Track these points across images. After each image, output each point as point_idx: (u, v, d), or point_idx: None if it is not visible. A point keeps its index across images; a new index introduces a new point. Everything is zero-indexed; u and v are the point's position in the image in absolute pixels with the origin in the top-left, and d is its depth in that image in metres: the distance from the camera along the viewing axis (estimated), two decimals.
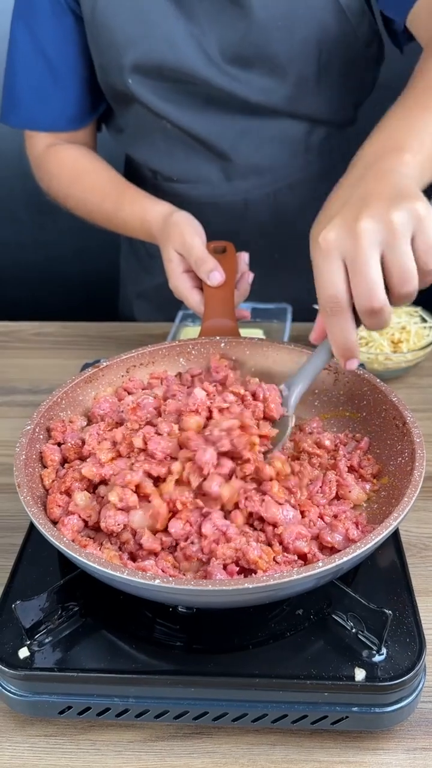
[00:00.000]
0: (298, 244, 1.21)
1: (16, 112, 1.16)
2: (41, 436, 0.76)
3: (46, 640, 0.63)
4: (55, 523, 0.68)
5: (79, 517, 0.68)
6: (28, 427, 0.74)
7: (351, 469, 0.75)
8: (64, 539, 0.61)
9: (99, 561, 0.58)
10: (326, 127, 1.16)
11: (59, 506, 0.69)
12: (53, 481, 0.72)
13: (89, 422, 0.80)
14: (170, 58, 1.04)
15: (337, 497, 0.70)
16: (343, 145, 1.19)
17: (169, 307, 1.16)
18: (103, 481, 0.69)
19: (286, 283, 1.22)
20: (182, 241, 0.92)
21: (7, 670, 0.62)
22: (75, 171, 1.15)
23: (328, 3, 1.01)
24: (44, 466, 0.74)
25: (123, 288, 1.45)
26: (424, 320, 1.13)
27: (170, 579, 0.58)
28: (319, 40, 1.03)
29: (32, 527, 0.75)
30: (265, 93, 1.07)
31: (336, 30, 1.03)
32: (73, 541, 0.65)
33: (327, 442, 0.77)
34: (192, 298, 0.92)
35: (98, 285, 2.05)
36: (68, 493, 0.70)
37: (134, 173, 1.26)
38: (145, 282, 1.35)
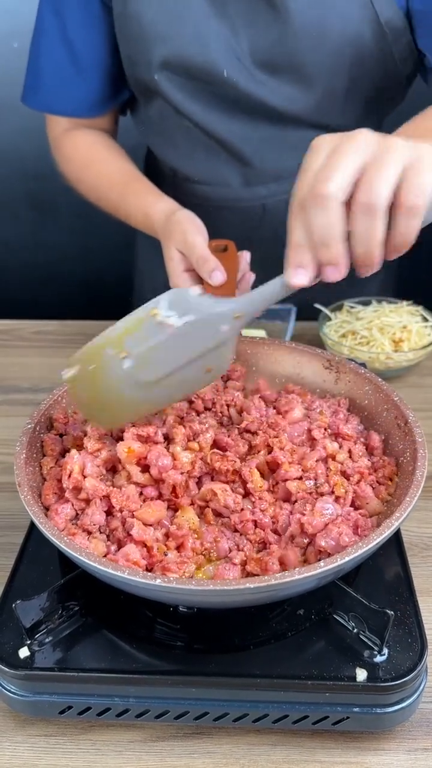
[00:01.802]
0: None
1: (37, 94, 1.17)
2: (42, 433, 0.76)
3: (47, 640, 0.63)
4: (47, 509, 0.68)
5: (72, 506, 0.68)
6: (29, 426, 0.74)
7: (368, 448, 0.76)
8: (65, 538, 0.61)
9: (100, 561, 0.58)
10: None
11: (54, 493, 0.69)
12: (51, 468, 0.72)
13: None
14: (199, 57, 1.03)
15: (354, 507, 0.69)
16: None
17: None
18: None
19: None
20: (184, 239, 0.92)
21: (7, 669, 0.61)
22: (88, 157, 1.16)
23: (366, 16, 0.99)
24: (44, 455, 0.74)
25: (139, 283, 1.44)
26: (425, 319, 1.12)
27: (171, 579, 0.58)
28: (352, 54, 1.02)
29: (33, 526, 0.74)
30: (290, 101, 1.06)
31: (372, 45, 1.01)
32: (63, 529, 0.66)
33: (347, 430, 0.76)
34: None
35: (100, 284, 2.05)
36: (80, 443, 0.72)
37: (154, 167, 1.26)
38: (161, 276, 1.35)
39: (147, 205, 1.02)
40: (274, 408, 0.79)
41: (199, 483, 0.70)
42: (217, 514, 0.68)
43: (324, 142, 0.58)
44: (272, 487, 0.70)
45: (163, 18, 1.02)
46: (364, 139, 0.56)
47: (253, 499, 0.69)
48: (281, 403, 0.79)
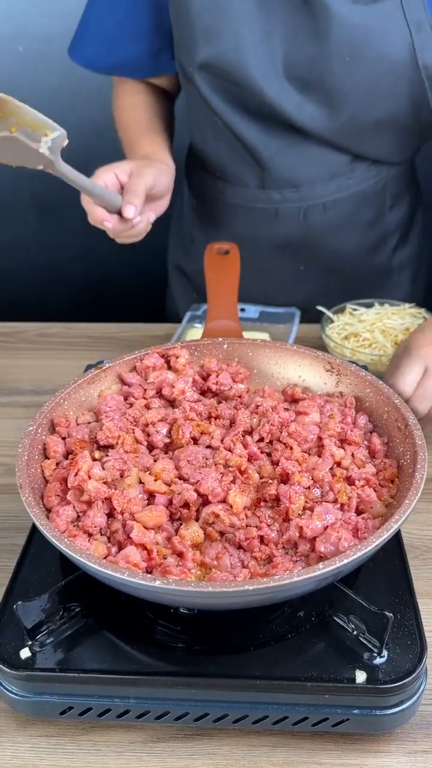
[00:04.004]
0: (327, 259, 1.23)
1: (84, 50, 1.20)
2: (44, 435, 0.76)
3: (48, 641, 0.64)
4: (49, 511, 0.69)
5: (74, 508, 0.68)
6: (31, 428, 0.74)
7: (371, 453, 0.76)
8: (65, 540, 0.61)
9: (99, 562, 0.58)
10: (372, 161, 1.16)
11: (57, 495, 0.70)
12: (54, 470, 0.73)
13: (96, 419, 0.80)
14: (235, 62, 1.04)
15: (357, 511, 0.69)
16: (385, 174, 1.18)
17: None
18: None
19: (301, 289, 1.23)
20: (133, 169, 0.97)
21: (8, 670, 0.62)
22: (124, 103, 1.23)
23: (404, 55, 0.99)
24: (47, 458, 0.75)
25: (171, 275, 1.45)
26: None
27: (171, 580, 0.58)
28: (385, 90, 1.02)
29: (34, 528, 0.75)
30: (314, 119, 1.07)
31: (407, 85, 1.02)
32: (64, 531, 0.66)
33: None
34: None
35: (103, 286, 2.06)
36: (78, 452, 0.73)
37: (192, 153, 1.28)
38: (190, 265, 1.36)
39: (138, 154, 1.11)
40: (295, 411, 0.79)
41: (199, 511, 0.69)
42: (222, 532, 0.67)
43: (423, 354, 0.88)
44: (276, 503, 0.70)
45: (209, 11, 1.03)
46: None
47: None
48: (302, 406, 0.79)
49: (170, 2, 1.08)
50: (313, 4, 0.98)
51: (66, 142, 0.79)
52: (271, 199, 1.18)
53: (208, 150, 1.20)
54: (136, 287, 1.93)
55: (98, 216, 0.94)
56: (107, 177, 0.96)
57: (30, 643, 0.63)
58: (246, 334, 0.91)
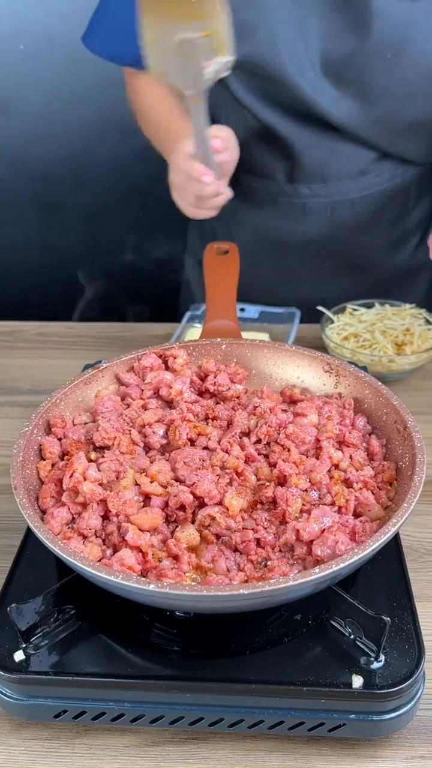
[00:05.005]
0: (351, 257, 1.22)
1: (101, 39, 1.16)
2: (40, 435, 0.76)
3: (42, 644, 0.63)
4: (44, 512, 0.68)
5: (69, 510, 0.68)
6: (26, 429, 0.74)
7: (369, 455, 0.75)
8: (59, 542, 0.60)
9: (93, 565, 0.58)
10: (400, 160, 1.16)
11: (52, 497, 0.69)
12: (50, 471, 0.72)
13: (93, 420, 0.79)
14: (269, 56, 1.03)
15: (355, 514, 0.69)
16: (410, 173, 1.18)
17: None
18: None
19: (322, 288, 1.22)
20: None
21: (2, 673, 0.61)
22: (148, 94, 1.18)
23: None
24: (42, 459, 0.74)
25: (191, 270, 1.44)
26: (428, 322, 1.12)
27: (165, 584, 0.57)
28: (425, 89, 1.01)
29: (30, 529, 0.74)
30: (349, 116, 1.07)
31: None
32: (59, 533, 0.66)
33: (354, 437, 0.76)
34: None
35: (105, 286, 2.05)
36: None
37: None
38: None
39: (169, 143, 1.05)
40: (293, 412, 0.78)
41: (195, 513, 0.69)
42: (218, 535, 0.67)
43: None
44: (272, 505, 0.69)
45: (244, 7, 1.01)
46: None
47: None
48: (299, 407, 0.78)
49: None
50: None
51: (227, 73, 0.77)
52: (299, 193, 1.18)
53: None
54: (139, 287, 1.92)
55: (199, 169, 0.92)
56: (215, 141, 0.94)
57: (24, 645, 0.62)
58: (245, 335, 0.91)
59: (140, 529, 0.64)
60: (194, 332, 1.12)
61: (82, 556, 0.60)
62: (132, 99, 1.22)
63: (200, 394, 0.83)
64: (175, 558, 0.64)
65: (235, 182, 1.11)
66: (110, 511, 0.66)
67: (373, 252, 1.24)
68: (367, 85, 1.03)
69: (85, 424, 0.79)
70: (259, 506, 0.69)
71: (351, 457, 0.73)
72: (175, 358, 0.84)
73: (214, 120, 1.19)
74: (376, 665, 0.60)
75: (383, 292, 1.19)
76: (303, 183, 1.16)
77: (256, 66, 1.04)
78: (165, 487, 0.68)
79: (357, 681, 0.59)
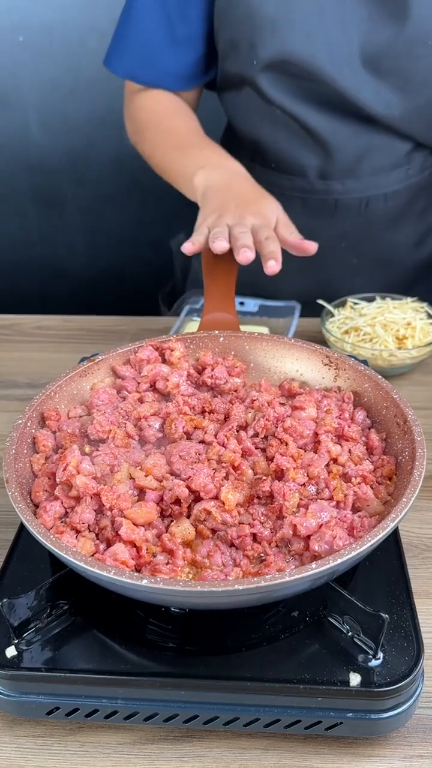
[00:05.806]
0: (380, 252, 1.21)
1: (123, 60, 1.14)
2: (34, 428, 0.74)
3: (35, 639, 0.62)
4: (37, 506, 0.67)
5: (62, 504, 0.66)
6: (20, 421, 0.72)
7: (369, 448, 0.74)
8: (51, 536, 0.59)
9: (85, 560, 0.57)
10: (430, 151, 1.15)
11: (45, 491, 0.68)
12: (43, 464, 0.71)
13: (88, 412, 0.78)
14: (305, 53, 1.01)
15: (354, 509, 0.67)
16: None
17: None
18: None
19: (349, 284, 1.20)
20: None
21: None
22: (157, 114, 1.14)
23: None
24: (36, 452, 0.73)
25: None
26: (430, 316, 1.10)
27: (158, 579, 0.56)
28: None
29: (23, 523, 0.73)
30: (387, 106, 1.05)
31: None
32: (52, 527, 0.64)
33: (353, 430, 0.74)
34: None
35: (105, 280, 2.04)
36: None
37: (232, 142, 1.23)
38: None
39: (192, 173, 1.01)
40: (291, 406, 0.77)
41: (190, 508, 0.67)
42: (213, 530, 0.66)
43: None
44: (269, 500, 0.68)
45: (274, 1, 0.99)
46: None
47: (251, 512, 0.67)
48: (298, 400, 0.77)
49: (218, 4, 1.03)
50: None
51: None
52: (331, 189, 1.16)
53: (262, 140, 1.16)
54: (137, 281, 1.91)
55: (200, 242, 0.89)
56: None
57: (16, 641, 0.61)
58: (245, 328, 0.89)
59: (134, 524, 0.63)
60: (193, 326, 1.11)
61: (75, 551, 0.58)
62: (135, 116, 1.18)
63: (197, 387, 0.81)
64: (170, 553, 0.63)
65: (259, 181, 1.10)
66: (104, 505, 0.65)
67: (401, 246, 1.22)
68: (408, 74, 1.02)
69: (80, 417, 0.78)
70: (255, 501, 0.68)
71: (350, 452, 0.72)
72: (172, 350, 0.82)
73: (240, 120, 1.17)
74: (374, 663, 0.59)
75: (405, 289, 1.17)
76: (336, 179, 1.15)
77: (291, 64, 1.02)
78: (160, 481, 0.67)
79: (355, 679, 0.58)
